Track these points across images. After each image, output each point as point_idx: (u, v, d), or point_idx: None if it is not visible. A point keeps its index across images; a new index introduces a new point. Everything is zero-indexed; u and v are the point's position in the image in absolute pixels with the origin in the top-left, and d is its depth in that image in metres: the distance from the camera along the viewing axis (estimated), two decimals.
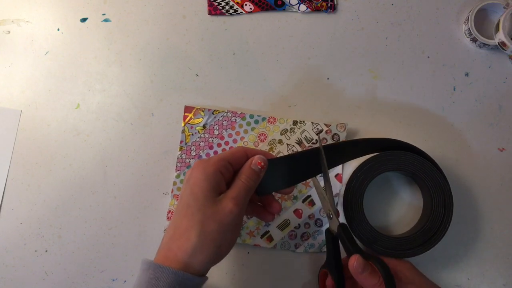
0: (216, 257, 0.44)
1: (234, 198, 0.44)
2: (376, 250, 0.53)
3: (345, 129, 0.59)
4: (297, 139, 0.59)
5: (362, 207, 0.54)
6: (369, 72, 0.61)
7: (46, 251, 0.59)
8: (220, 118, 0.60)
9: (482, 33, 0.59)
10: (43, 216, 0.60)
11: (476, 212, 0.59)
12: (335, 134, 0.59)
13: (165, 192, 0.60)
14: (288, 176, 0.49)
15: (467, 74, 0.61)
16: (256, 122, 0.60)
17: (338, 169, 0.59)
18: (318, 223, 0.58)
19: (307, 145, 0.59)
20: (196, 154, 0.59)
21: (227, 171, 0.46)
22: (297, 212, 0.59)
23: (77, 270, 0.59)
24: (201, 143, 0.60)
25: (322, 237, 0.58)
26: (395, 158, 0.54)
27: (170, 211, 0.59)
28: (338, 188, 0.59)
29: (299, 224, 0.58)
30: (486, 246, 0.58)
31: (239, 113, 0.60)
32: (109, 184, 0.60)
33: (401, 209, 0.59)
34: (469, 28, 0.59)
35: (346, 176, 0.59)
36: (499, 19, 0.58)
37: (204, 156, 0.59)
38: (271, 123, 0.60)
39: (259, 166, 0.46)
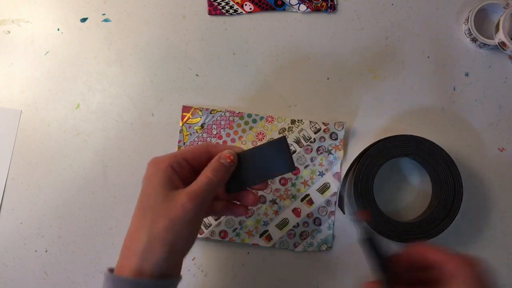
0: (171, 255, 0.40)
1: (190, 193, 0.41)
2: (389, 237, 0.54)
3: (343, 128, 0.59)
4: (295, 138, 0.59)
5: (373, 195, 0.54)
6: (369, 72, 0.61)
7: (46, 251, 0.59)
8: (218, 118, 0.60)
9: (482, 33, 0.59)
10: (43, 216, 0.60)
11: (475, 212, 0.59)
12: (333, 132, 0.59)
13: None
14: (259, 170, 0.45)
15: (467, 74, 0.61)
16: (254, 121, 0.60)
17: (336, 167, 0.59)
18: (317, 222, 0.58)
19: (305, 144, 0.59)
20: None
21: (180, 166, 0.43)
22: (295, 211, 0.59)
23: (77, 270, 0.59)
24: (199, 142, 0.60)
25: (320, 236, 0.58)
26: (401, 143, 0.55)
27: None
28: (337, 186, 0.59)
29: (297, 223, 0.58)
30: (486, 246, 0.58)
31: (237, 112, 0.60)
32: (109, 184, 0.60)
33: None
34: (469, 28, 0.59)
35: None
36: (499, 19, 0.58)
37: None
38: (269, 122, 0.60)
39: (228, 160, 0.43)
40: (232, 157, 0.44)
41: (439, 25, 0.62)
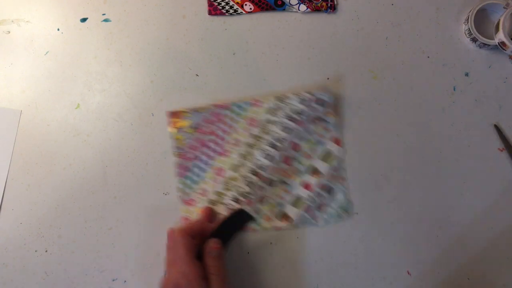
0: None
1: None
2: None
3: (328, 92, 0.58)
4: (286, 115, 0.59)
5: None
6: (369, 72, 0.61)
7: (46, 251, 0.59)
8: (207, 115, 0.60)
9: (482, 33, 0.59)
10: (43, 216, 0.60)
11: (476, 212, 0.59)
12: (320, 99, 0.59)
13: (165, 192, 0.60)
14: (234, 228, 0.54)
15: (467, 74, 0.61)
16: (242, 109, 0.60)
17: (333, 133, 0.59)
18: (330, 191, 0.58)
19: (297, 118, 0.59)
20: (193, 156, 0.59)
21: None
22: (306, 185, 0.58)
23: (77, 270, 0.59)
24: (194, 143, 0.60)
25: (337, 204, 0.58)
26: None
27: (184, 217, 0.59)
28: (339, 152, 0.59)
29: (311, 197, 0.58)
30: (486, 247, 0.58)
31: (224, 104, 0.60)
32: (109, 184, 0.60)
33: None
34: (469, 28, 0.59)
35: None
36: (499, 19, 0.58)
37: (201, 156, 0.59)
38: (256, 106, 0.59)
39: (216, 250, 0.50)
40: (217, 245, 0.51)
41: (439, 25, 0.62)
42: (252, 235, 0.59)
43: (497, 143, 0.60)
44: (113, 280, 0.59)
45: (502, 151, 0.60)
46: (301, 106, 0.59)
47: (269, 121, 0.59)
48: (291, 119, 0.59)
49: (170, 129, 0.60)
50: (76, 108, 0.62)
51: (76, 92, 0.62)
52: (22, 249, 0.59)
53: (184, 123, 0.60)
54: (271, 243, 0.59)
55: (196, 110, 0.60)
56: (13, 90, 0.62)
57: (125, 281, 0.59)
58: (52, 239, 0.60)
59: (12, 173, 0.61)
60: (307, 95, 0.59)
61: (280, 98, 0.59)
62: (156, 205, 0.60)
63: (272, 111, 0.59)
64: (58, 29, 0.63)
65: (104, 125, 0.61)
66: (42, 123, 0.61)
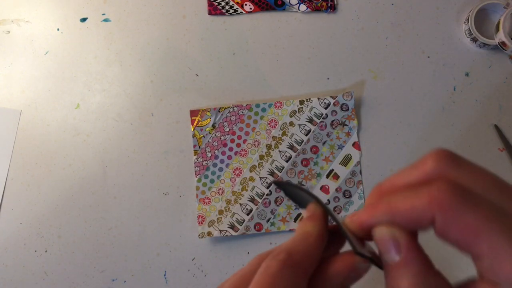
0: None
1: None
2: None
3: (352, 97, 0.59)
4: (308, 118, 0.59)
5: None
6: (369, 72, 0.61)
7: (46, 251, 0.59)
8: (228, 114, 0.60)
9: (482, 33, 0.59)
10: (43, 216, 0.60)
11: None
12: (343, 104, 0.59)
13: (165, 192, 0.60)
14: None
15: (467, 74, 0.61)
16: (264, 110, 0.60)
17: (354, 137, 0.59)
18: (347, 194, 0.58)
19: (318, 121, 0.59)
20: (212, 155, 0.60)
21: None
22: (323, 189, 0.59)
23: (77, 270, 0.59)
24: (214, 143, 0.60)
25: (353, 207, 0.58)
26: None
27: (200, 215, 0.59)
28: (358, 156, 0.59)
29: (328, 200, 0.58)
30: None
31: (245, 105, 0.60)
32: (109, 184, 0.60)
33: None
34: (469, 28, 0.59)
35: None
36: (499, 19, 0.58)
37: (220, 155, 0.60)
38: (278, 107, 0.60)
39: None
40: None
41: (439, 25, 0.62)
42: (252, 235, 0.59)
43: (497, 143, 0.60)
44: (113, 280, 0.59)
45: (502, 151, 0.60)
46: (323, 110, 0.59)
47: (290, 123, 0.59)
48: (312, 122, 0.59)
49: (191, 127, 0.60)
50: (76, 108, 0.62)
51: (76, 92, 0.62)
52: (22, 249, 0.59)
53: (204, 122, 0.60)
54: (271, 243, 0.59)
55: (217, 110, 0.60)
56: (13, 90, 0.62)
57: (125, 281, 0.59)
58: (52, 239, 0.59)
59: (11, 173, 0.61)
60: (331, 99, 0.59)
61: (303, 101, 0.60)
62: (156, 205, 0.60)
63: (294, 113, 0.60)
64: (58, 29, 0.63)
65: (104, 125, 0.61)
66: (42, 123, 0.61)
